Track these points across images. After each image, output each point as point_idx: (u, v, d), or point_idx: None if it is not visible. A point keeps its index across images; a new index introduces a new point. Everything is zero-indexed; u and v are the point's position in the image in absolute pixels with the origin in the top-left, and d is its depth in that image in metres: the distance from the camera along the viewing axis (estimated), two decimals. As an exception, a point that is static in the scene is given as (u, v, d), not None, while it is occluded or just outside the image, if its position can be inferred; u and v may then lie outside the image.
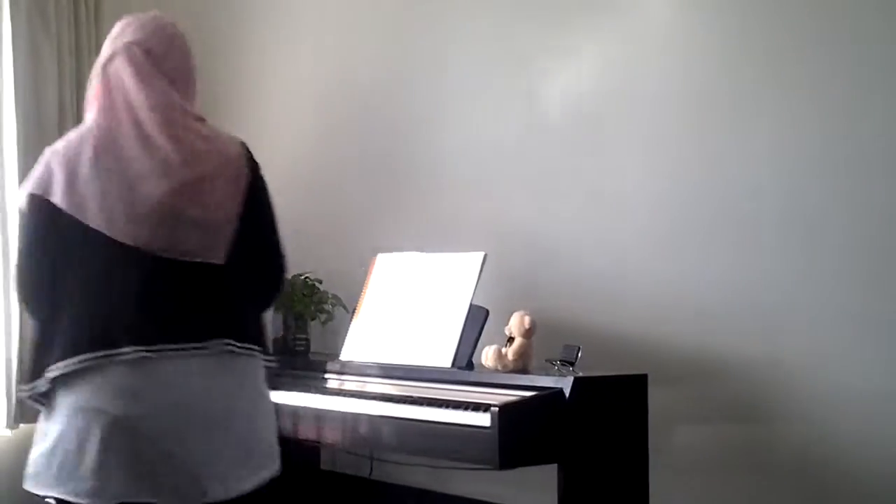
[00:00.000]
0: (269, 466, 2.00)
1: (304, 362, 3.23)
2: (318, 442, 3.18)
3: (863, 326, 2.52)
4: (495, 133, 3.23)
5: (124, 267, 1.94)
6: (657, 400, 2.65)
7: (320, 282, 3.44)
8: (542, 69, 3.11)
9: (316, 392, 2.89)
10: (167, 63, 2.08)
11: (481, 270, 2.77)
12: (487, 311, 2.81)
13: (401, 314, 2.94)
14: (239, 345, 1.97)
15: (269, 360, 2.06)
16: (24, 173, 2.67)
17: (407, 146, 3.48)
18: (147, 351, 1.89)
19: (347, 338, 3.04)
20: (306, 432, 2.87)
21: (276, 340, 3.31)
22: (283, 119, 3.87)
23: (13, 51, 3.74)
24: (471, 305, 2.77)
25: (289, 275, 2.19)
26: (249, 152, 2.08)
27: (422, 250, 3.04)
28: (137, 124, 2.00)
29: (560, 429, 2.44)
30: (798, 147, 2.63)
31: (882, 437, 2.48)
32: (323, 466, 3.44)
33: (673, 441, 2.76)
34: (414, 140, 3.45)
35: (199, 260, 1.96)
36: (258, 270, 2.07)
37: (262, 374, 2.04)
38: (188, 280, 1.96)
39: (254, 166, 2.07)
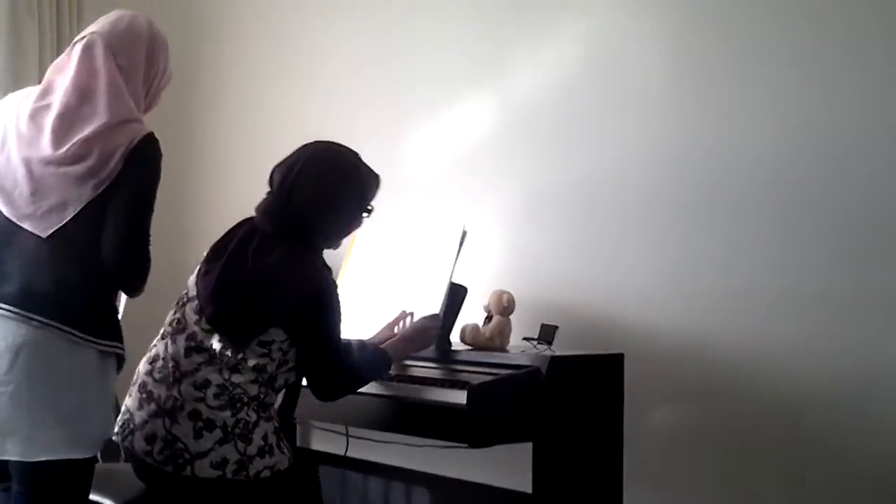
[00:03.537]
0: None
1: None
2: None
3: (841, 309, 2.54)
4: (474, 120, 3.28)
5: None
6: (633, 379, 2.65)
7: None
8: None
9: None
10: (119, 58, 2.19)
11: (461, 248, 2.76)
12: (466, 289, 2.80)
13: (380, 291, 2.93)
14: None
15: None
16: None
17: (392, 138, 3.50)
18: None
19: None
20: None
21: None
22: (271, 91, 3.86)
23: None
24: (450, 283, 2.76)
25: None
26: (143, 145, 2.13)
27: (401, 228, 3.04)
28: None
29: (536, 407, 2.44)
30: (779, 132, 2.64)
31: (859, 416, 2.51)
32: (298, 443, 3.44)
33: (648, 421, 2.77)
34: (398, 133, 3.49)
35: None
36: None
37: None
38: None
39: (136, 158, 2.11)
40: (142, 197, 2.15)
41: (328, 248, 2.38)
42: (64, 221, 2.10)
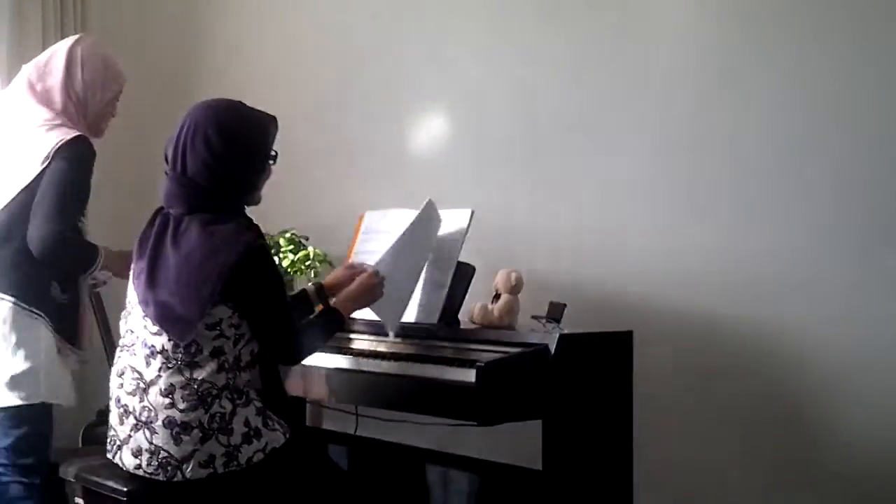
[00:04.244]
0: None
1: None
2: (304, 398, 3.19)
3: (849, 287, 2.54)
4: (480, 101, 3.27)
5: None
6: (642, 357, 2.66)
7: (307, 238, 3.42)
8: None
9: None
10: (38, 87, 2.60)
11: (469, 227, 2.76)
12: (474, 268, 2.80)
13: (388, 271, 2.92)
14: None
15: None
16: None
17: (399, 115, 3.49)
18: None
19: (334, 294, 3.02)
20: (292, 388, 2.86)
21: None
22: (277, 78, 3.86)
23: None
24: (458, 262, 2.76)
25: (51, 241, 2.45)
26: (66, 145, 2.49)
27: (408, 207, 3.03)
28: None
29: (545, 385, 2.44)
30: (794, 114, 2.64)
31: (866, 395, 2.51)
32: (308, 422, 3.45)
33: (657, 398, 2.77)
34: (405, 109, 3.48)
35: None
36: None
37: None
38: None
39: (60, 155, 2.49)
40: (60, 183, 2.47)
41: (246, 205, 2.27)
42: None
